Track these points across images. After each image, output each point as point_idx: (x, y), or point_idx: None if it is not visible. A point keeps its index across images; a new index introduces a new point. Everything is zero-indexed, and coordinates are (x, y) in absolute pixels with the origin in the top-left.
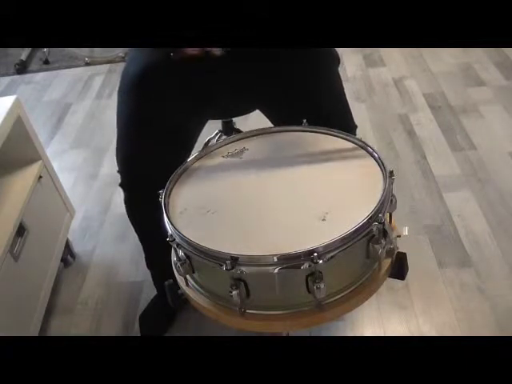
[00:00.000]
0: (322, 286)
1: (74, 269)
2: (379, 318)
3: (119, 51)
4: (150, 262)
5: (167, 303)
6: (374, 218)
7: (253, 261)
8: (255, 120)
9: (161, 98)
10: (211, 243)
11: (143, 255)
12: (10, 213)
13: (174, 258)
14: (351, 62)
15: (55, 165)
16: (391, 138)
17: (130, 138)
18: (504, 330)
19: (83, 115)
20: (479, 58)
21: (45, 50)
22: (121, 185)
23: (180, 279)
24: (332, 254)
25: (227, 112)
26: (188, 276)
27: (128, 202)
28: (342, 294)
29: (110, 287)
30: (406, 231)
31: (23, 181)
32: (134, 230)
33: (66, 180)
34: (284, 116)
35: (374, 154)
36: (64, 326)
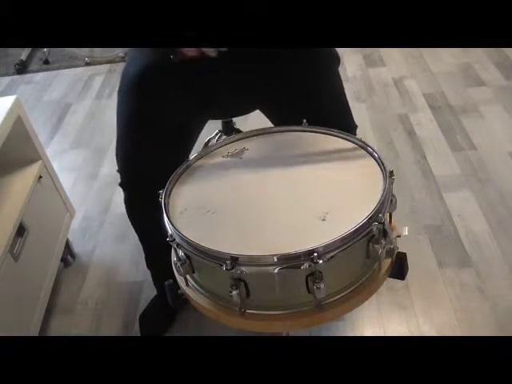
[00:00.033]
0: (322, 286)
1: (73, 269)
2: (379, 318)
3: (119, 51)
4: (150, 262)
5: (167, 303)
6: (373, 218)
7: (253, 261)
8: (255, 120)
9: (161, 98)
10: (211, 243)
11: (143, 255)
12: (10, 213)
13: (174, 258)
14: (351, 62)
15: (55, 165)
16: (391, 138)
17: (129, 138)
18: (504, 330)
19: (83, 115)
20: (479, 57)
21: (45, 50)
22: (120, 184)
23: (180, 279)
24: (332, 254)
25: (227, 112)
26: (188, 276)
27: (128, 201)
28: (342, 294)
29: (110, 287)
30: (405, 231)
31: (23, 181)
32: (133, 230)
33: (65, 180)
34: (284, 116)
35: (374, 154)
36: (64, 326)
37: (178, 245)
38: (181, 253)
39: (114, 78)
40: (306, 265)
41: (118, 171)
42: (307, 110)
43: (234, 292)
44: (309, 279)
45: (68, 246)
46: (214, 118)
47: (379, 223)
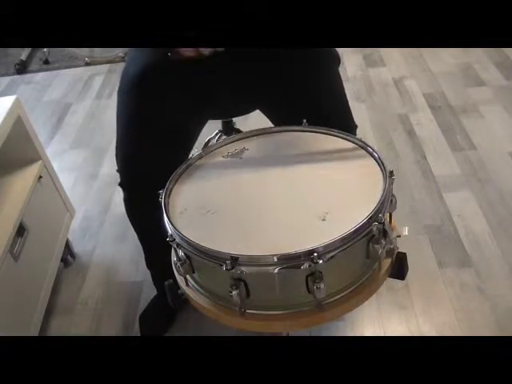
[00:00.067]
0: (322, 286)
1: (73, 269)
2: (379, 318)
3: (119, 51)
4: (150, 262)
5: (167, 303)
6: (373, 218)
7: (253, 261)
8: (255, 120)
9: (161, 98)
10: (211, 243)
11: (143, 255)
12: (10, 213)
13: (174, 258)
14: (351, 62)
15: (55, 165)
16: (391, 137)
17: (129, 138)
18: (504, 330)
19: (83, 115)
20: (479, 58)
21: (45, 50)
22: (120, 184)
23: (180, 279)
24: (332, 254)
25: (227, 112)
26: (188, 276)
27: (128, 201)
28: (342, 294)
29: (110, 287)
30: (405, 231)
31: (23, 181)
32: (133, 230)
33: (65, 180)
34: (284, 116)
35: (374, 154)
36: (64, 326)
37: (178, 245)
38: (181, 253)
39: (114, 78)
40: (306, 265)
41: (117, 171)
42: (307, 110)
43: (234, 292)
44: (309, 279)
45: (68, 246)
46: (214, 117)
47: (379, 223)
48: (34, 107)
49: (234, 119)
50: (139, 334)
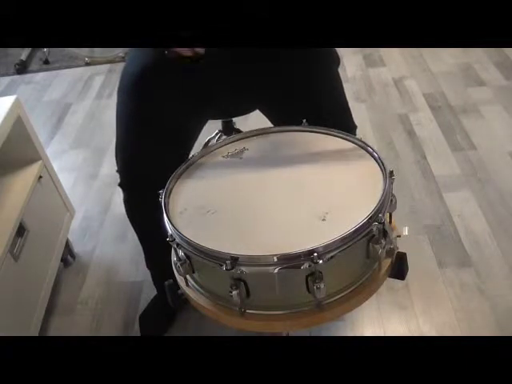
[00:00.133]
0: (322, 285)
1: (73, 269)
2: (379, 318)
3: (119, 51)
4: (150, 262)
5: (167, 303)
6: (373, 217)
7: (253, 261)
8: (255, 120)
9: (160, 98)
10: (211, 243)
11: (143, 255)
12: (10, 213)
13: (174, 258)
14: (351, 62)
15: (55, 165)
16: (391, 137)
17: (129, 138)
18: (504, 330)
19: (83, 115)
20: (479, 57)
21: (45, 50)
22: (120, 184)
23: (180, 279)
24: (332, 254)
25: (227, 112)
26: (188, 276)
27: (128, 202)
28: (342, 294)
29: (110, 287)
30: (405, 231)
31: (23, 181)
32: (133, 230)
33: (65, 180)
34: (284, 116)
35: (374, 154)
36: (64, 326)
37: (178, 245)
38: (181, 253)
39: (114, 78)
40: (306, 265)
41: (117, 171)
42: (307, 110)
43: (234, 292)
44: (309, 279)
45: (68, 246)
46: (214, 117)
47: (379, 223)
48: (34, 107)
49: (234, 119)
50: (139, 334)
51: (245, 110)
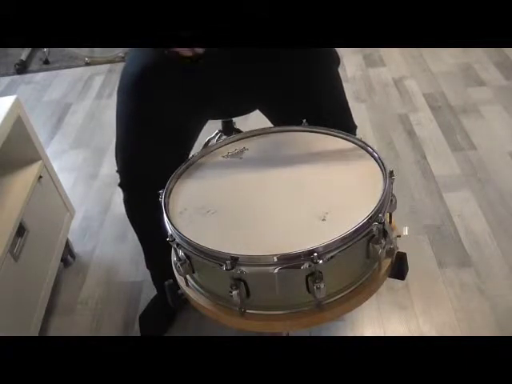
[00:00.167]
0: (322, 285)
1: (74, 269)
2: (379, 318)
3: (119, 51)
4: (150, 262)
5: (167, 303)
6: (374, 217)
7: (253, 261)
8: (255, 120)
9: (160, 98)
10: (211, 243)
11: (143, 255)
12: (10, 213)
13: (174, 258)
14: (351, 62)
15: (55, 165)
16: (391, 137)
17: (129, 138)
18: (504, 330)
19: (83, 115)
20: (479, 58)
21: (45, 50)
22: (120, 185)
23: (180, 279)
24: (332, 254)
25: (227, 112)
26: (188, 276)
27: (128, 202)
28: (342, 294)
29: (110, 287)
30: (405, 231)
31: (23, 181)
32: (133, 230)
33: (65, 180)
34: (284, 116)
35: (374, 154)
36: (64, 326)
37: (178, 245)
38: (181, 253)
39: (114, 78)
40: (306, 265)
41: (117, 171)
42: (307, 110)
43: (234, 292)
44: (309, 279)
45: (68, 246)
46: (214, 117)
47: (379, 223)
48: (34, 107)
49: (234, 119)
50: (139, 334)
51: (245, 110)
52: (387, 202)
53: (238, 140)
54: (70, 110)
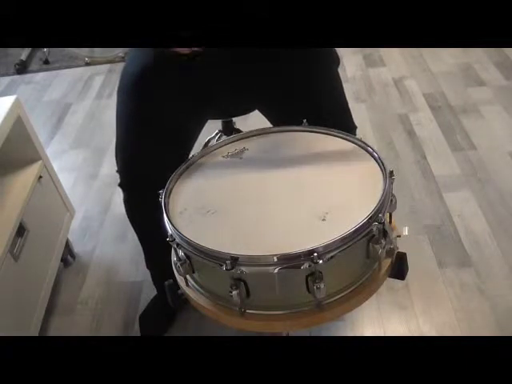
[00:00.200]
0: (322, 285)
1: (74, 269)
2: (379, 318)
3: (119, 51)
4: (150, 262)
5: (167, 303)
6: (374, 217)
7: (253, 261)
8: (255, 120)
9: (160, 98)
10: (211, 243)
11: (143, 255)
12: (10, 213)
13: (174, 258)
14: (351, 62)
15: (55, 165)
16: (391, 137)
17: (129, 138)
18: (504, 330)
19: (83, 115)
20: (479, 58)
21: (45, 50)
22: (120, 185)
23: (180, 279)
24: (332, 253)
25: (227, 112)
26: (188, 276)
27: (128, 202)
28: (342, 294)
29: (110, 287)
30: (405, 231)
31: (23, 181)
32: (133, 230)
33: (65, 180)
34: (284, 116)
35: (374, 154)
36: (64, 326)
37: (178, 245)
38: (181, 253)
39: (114, 78)
40: (306, 265)
41: (117, 171)
42: (307, 110)
43: (234, 292)
44: (309, 279)
45: (68, 246)
46: (214, 117)
47: (379, 223)
48: (34, 107)
49: (234, 119)
50: (139, 334)
51: (245, 110)
52: (387, 202)
53: (238, 140)
54: (70, 109)
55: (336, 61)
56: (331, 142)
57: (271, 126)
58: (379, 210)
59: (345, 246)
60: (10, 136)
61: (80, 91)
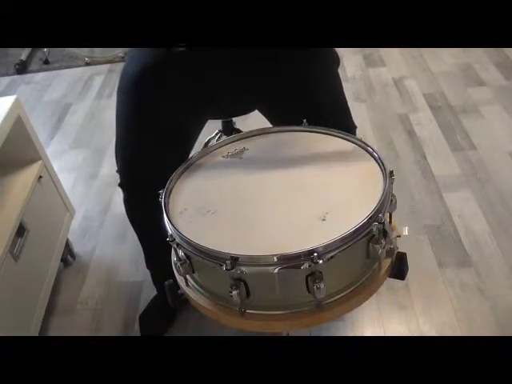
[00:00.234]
0: (322, 285)
1: (74, 269)
2: (379, 318)
3: (119, 51)
4: (150, 262)
5: (167, 303)
6: (374, 218)
7: (253, 261)
8: (255, 120)
9: (160, 98)
10: (211, 243)
11: (143, 255)
12: (10, 213)
13: (174, 258)
14: (351, 62)
15: (55, 165)
16: (391, 137)
17: (129, 138)
18: (504, 330)
19: (83, 115)
20: (479, 58)
21: (45, 50)
22: (120, 185)
23: (180, 279)
24: (332, 254)
25: (227, 112)
26: (188, 276)
27: (128, 202)
28: (342, 294)
29: (110, 287)
30: (405, 231)
31: (23, 181)
32: (133, 230)
33: (65, 180)
34: (284, 116)
35: (374, 154)
36: (64, 326)
37: (178, 245)
38: (181, 253)
39: (114, 78)
40: (306, 265)
41: (117, 171)
42: (307, 110)
43: (234, 292)
44: (309, 279)
45: (68, 246)
46: (214, 117)
47: (379, 223)
48: (34, 107)
49: (234, 119)
50: (139, 334)
51: (245, 110)
52: (387, 202)
53: (238, 140)
54: (70, 109)
55: (336, 61)
56: (331, 142)
57: (271, 126)
58: (379, 210)
59: (345, 246)
60: (9, 136)
61: (80, 91)
